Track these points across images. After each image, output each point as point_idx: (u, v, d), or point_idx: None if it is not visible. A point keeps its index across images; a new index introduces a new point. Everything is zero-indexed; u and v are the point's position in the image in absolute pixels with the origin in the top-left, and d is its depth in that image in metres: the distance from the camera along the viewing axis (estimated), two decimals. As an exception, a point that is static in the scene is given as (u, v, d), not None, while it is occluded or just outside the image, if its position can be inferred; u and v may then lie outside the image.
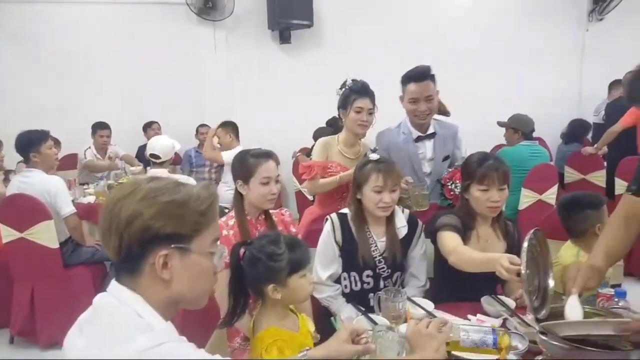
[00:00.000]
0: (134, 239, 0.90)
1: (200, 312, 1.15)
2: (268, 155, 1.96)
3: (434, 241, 1.97)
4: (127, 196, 0.92)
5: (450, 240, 1.83)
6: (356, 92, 2.46)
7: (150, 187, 0.94)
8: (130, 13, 5.14)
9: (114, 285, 0.95)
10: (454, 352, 1.20)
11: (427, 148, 2.51)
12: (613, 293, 1.62)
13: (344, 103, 2.49)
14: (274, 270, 1.38)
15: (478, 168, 1.90)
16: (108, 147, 4.81)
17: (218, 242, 1.02)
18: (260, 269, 1.39)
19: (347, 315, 1.83)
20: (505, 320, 1.62)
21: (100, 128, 4.75)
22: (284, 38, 5.49)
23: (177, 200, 0.93)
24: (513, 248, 1.92)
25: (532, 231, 1.43)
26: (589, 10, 6.22)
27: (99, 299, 0.96)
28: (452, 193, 2.30)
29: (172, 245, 0.92)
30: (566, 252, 2.03)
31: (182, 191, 0.95)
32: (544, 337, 1.23)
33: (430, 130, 2.51)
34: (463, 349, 1.16)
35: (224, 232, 1.89)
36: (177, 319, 1.04)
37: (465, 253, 1.76)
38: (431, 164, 2.51)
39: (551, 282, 1.45)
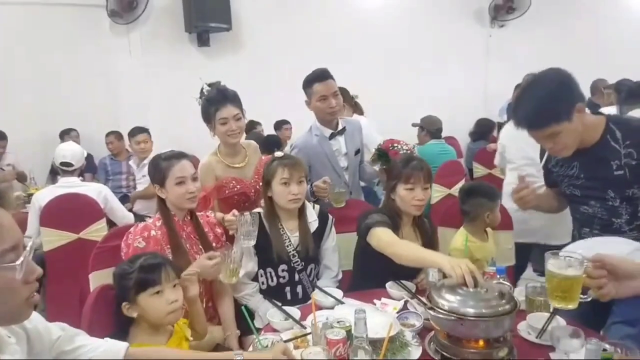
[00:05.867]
0: None
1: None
2: (181, 155, 1.93)
3: (364, 237, 1.95)
4: None
5: (386, 234, 1.85)
6: (215, 102, 2.22)
7: None
8: (38, 14, 4.85)
9: None
10: None
11: (340, 144, 2.64)
12: (495, 270, 1.86)
13: (207, 117, 2.27)
14: (123, 288, 1.44)
15: (404, 169, 1.97)
16: (5, 156, 4.47)
17: (23, 246, 0.87)
18: (115, 288, 1.49)
19: (264, 311, 1.88)
20: (406, 302, 1.76)
21: None
22: (203, 41, 5.44)
23: None
24: (428, 244, 1.99)
25: None
26: (492, 17, 6.77)
27: None
28: (398, 153, 2.33)
29: None
30: (457, 238, 2.20)
31: None
32: (431, 312, 1.36)
33: (340, 127, 2.63)
34: None
35: (152, 233, 1.85)
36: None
37: (410, 247, 1.78)
38: (346, 158, 2.65)
39: None
